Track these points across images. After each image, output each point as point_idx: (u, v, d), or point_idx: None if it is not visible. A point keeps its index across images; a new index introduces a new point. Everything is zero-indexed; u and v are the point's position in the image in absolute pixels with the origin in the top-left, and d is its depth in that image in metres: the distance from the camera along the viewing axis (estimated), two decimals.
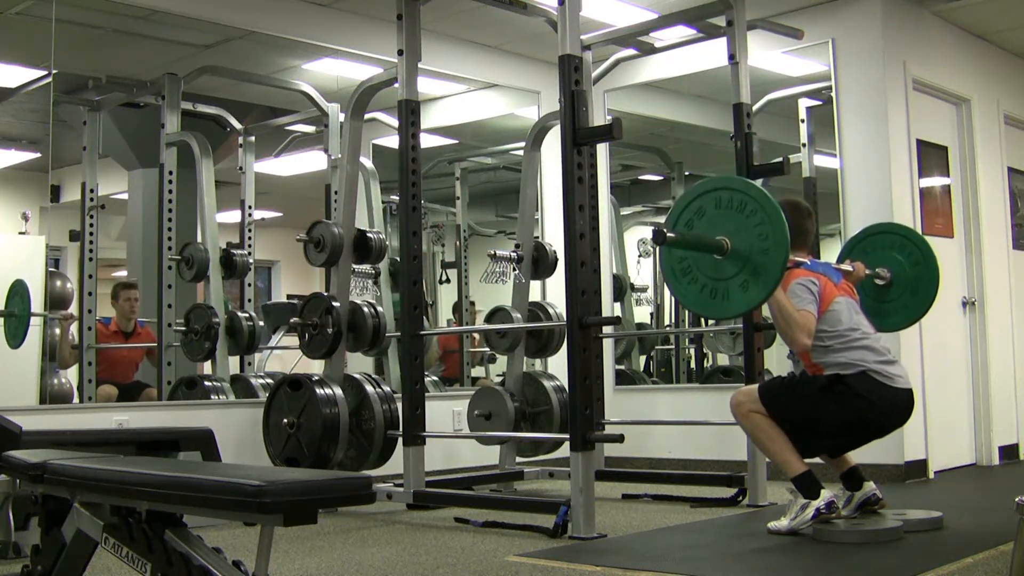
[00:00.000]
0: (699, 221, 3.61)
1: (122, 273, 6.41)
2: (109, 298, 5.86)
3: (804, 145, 6.00)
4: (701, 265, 3.61)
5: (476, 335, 6.82)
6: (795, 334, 3.73)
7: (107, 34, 5.57)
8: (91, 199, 5.48)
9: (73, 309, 5.50)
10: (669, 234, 3.54)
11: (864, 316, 3.97)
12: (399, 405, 4.76)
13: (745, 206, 3.51)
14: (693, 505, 4.77)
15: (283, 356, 7.40)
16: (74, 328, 5.40)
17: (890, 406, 3.80)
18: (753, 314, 4.66)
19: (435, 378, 6.48)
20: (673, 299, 7.17)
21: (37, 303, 5.19)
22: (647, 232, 7.36)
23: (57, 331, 5.42)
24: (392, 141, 5.49)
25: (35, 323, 5.27)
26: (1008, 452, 6.30)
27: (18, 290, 5.16)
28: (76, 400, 5.37)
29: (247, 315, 5.76)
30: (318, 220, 4.92)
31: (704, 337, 6.89)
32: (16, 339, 5.12)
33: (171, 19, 5.29)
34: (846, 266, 4.19)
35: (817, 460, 3.89)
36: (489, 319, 5.53)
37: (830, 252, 5.33)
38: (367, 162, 6.05)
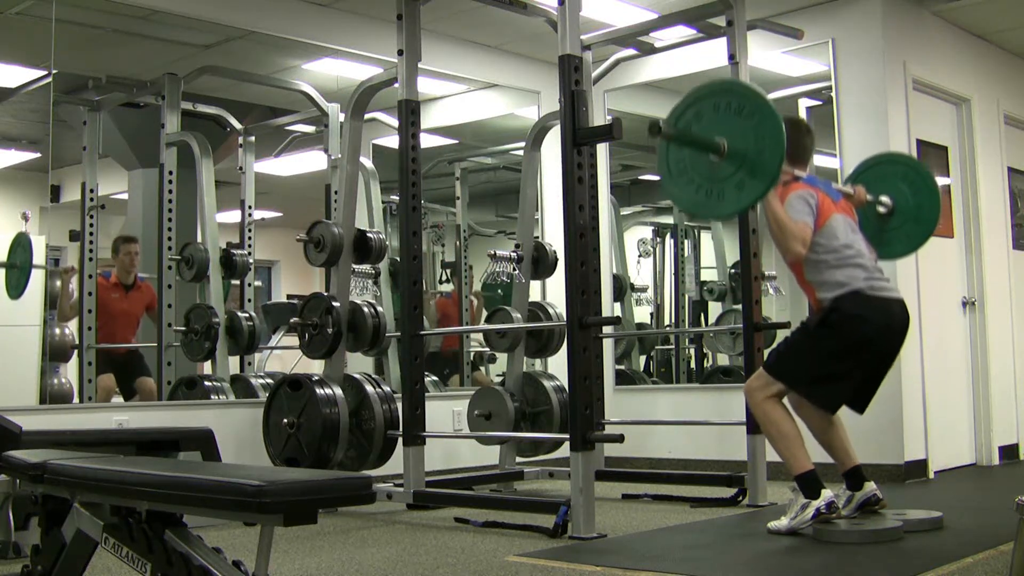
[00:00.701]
0: (697, 125, 3.63)
1: None
2: (111, 254, 5.85)
3: None
4: (697, 165, 3.63)
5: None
6: (789, 242, 3.76)
7: (107, 34, 5.57)
8: (91, 199, 5.48)
9: (73, 264, 5.52)
10: (666, 128, 3.56)
11: (862, 237, 4.00)
12: (399, 405, 4.77)
13: (743, 109, 3.53)
14: (693, 505, 4.77)
15: (283, 356, 7.40)
16: (74, 283, 5.40)
17: (885, 320, 3.83)
18: (753, 314, 4.67)
19: (435, 378, 6.48)
20: (673, 299, 7.18)
21: (37, 303, 5.19)
22: (647, 232, 7.36)
23: (58, 284, 5.44)
24: (392, 141, 5.49)
25: (35, 322, 5.28)
26: (1008, 452, 6.30)
27: (20, 242, 5.19)
28: (76, 400, 5.37)
29: (247, 315, 5.76)
30: (318, 220, 4.92)
31: (704, 337, 6.89)
32: (17, 290, 5.15)
33: (171, 19, 5.28)
34: (847, 188, 4.20)
35: (822, 460, 3.89)
36: (489, 319, 5.53)
37: None
38: (367, 162, 6.05)
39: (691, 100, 3.68)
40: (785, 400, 3.93)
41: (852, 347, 3.81)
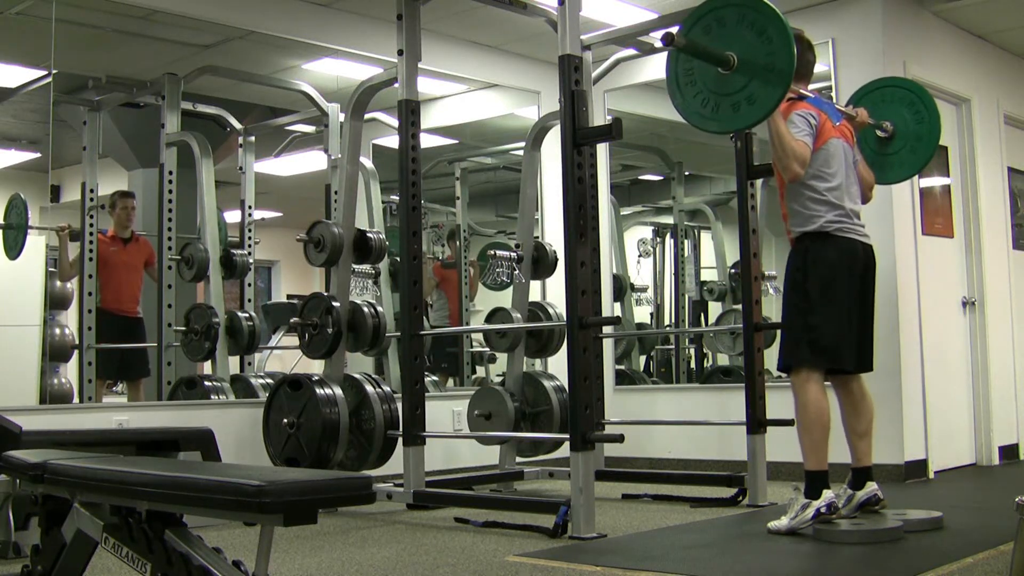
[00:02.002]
0: (718, 29, 3.63)
1: None
2: (108, 209, 5.86)
3: None
4: (706, 77, 3.64)
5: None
6: (788, 162, 3.81)
7: (107, 34, 5.57)
8: (91, 199, 5.49)
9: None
10: (679, 38, 3.57)
11: (861, 163, 4.06)
12: (399, 405, 4.76)
13: (764, 31, 3.53)
14: (693, 505, 4.77)
15: (283, 356, 7.41)
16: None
17: (848, 253, 3.89)
18: (753, 314, 4.67)
19: (435, 378, 6.48)
20: (673, 299, 7.18)
21: (37, 303, 5.20)
22: (647, 232, 7.36)
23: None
24: (392, 141, 5.49)
25: (35, 323, 5.29)
26: (1008, 452, 6.29)
27: (15, 203, 5.22)
28: (76, 400, 5.37)
29: (247, 315, 5.76)
30: (318, 220, 4.92)
31: (704, 337, 6.89)
32: (14, 251, 5.19)
33: (171, 19, 5.29)
34: (850, 110, 4.21)
35: (834, 460, 3.87)
36: (489, 319, 5.53)
37: None
38: (367, 162, 6.05)
39: (703, 11, 3.69)
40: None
41: (824, 283, 3.85)
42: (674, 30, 3.64)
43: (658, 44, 5.40)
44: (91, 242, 5.46)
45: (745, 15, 3.59)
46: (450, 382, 7.03)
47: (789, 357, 3.93)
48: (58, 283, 5.62)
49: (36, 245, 5.41)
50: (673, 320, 7.20)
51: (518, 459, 5.61)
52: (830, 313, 3.86)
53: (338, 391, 4.70)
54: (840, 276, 3.87)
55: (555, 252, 5.38)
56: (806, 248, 3.91)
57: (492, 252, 5.40)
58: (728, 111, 3.61)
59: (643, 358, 7.21)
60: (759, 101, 3.53)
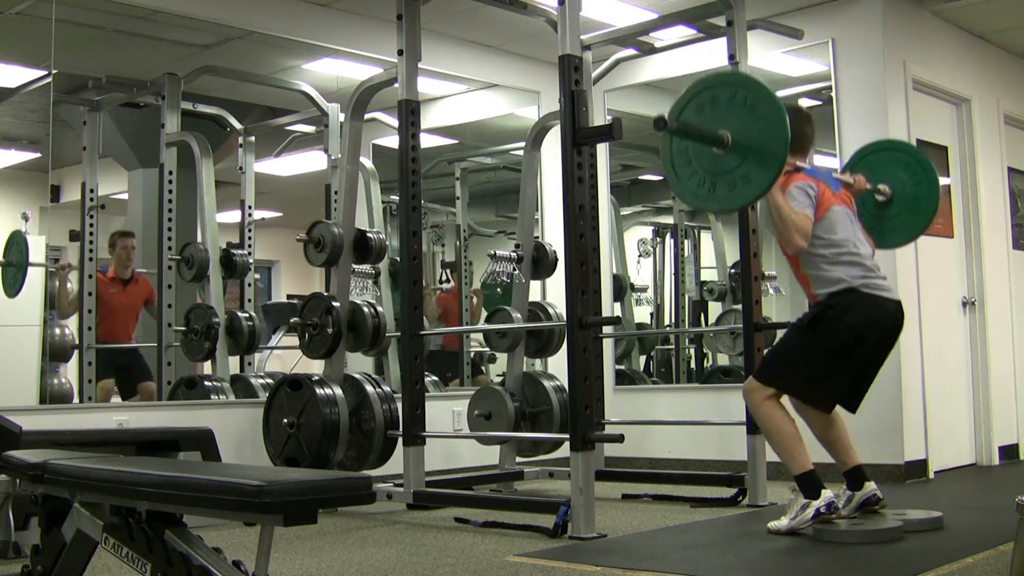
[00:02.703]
0: (710, 109, 3.61)
1: None
2: (107, 248, 5.86)
3: None
4: (701, 157, 3.62)
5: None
6: (791, 235, 3.76)
7: (107, 34, 5.57)
8: (91, 199, 5.49)
9: (71, 261, 5.52)
10: (672, 121, 3.56)
11: (860, 228, 4.00)
12: (399, 405, 4.77)
13: (756, 108, 3.51)
14: (693, 505, 4.77)
15: (283, 356, 7.40)
16: (72, 279, 5.41)
17: (877, 313, 3.83)
18: (753, 314, 4.67)
19: (435, 378, 6.48)
20: (673, 299, 7.17)
21: (37, 303, 5.19)
22: (647, 232, 7.36)
23: (57, 284, 5.45)
24: (392, 141, 5.49)
25: (35, 322, 5.28)
26: (1008, 452, 6.30)
27: (16, 240, 5.20)
28: (76, 400, 5.37)
29: (247, 315, 5.76)
30: (318, 220, 4.92)
31: (704, 337, 6.89)
32: (13, 288, 5.16)
33: (171, 19, 5.28)
34: (847, 177, 4.18)
35: (822, 460, 3.89)
36: (489, 319, 5.53)
37: None
38: (367, 162, 6.05)
39: (696, 90, 3.67)
40: (786, 399, 3.93)
41: (844, 344, 3.81)
42: (666, 114, 3.59)
43: (658, 45, 5.47)
44: (91, 242, 5.45)
45: (737, 93, 3.57)
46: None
47: (767, 377, 3.88)
48: (56, 330, 5.53)
49: (36, 245, 5.41)
50: (673, 320, 7.20)
51: (518, 459, 5.61)
52: (835, 372, 3.84)
53: (338, 391, 4.70)
54: (860, 344, 3.82)
55: (555, 252, 5.38)
56: (834, 304, 3.80)
57: (492, 252, 5.39)
58: (725, 190, 3.55)
59: (643, 358, 7.21)
60: (755, 179, 3.48)
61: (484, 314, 7.03)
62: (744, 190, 3.52)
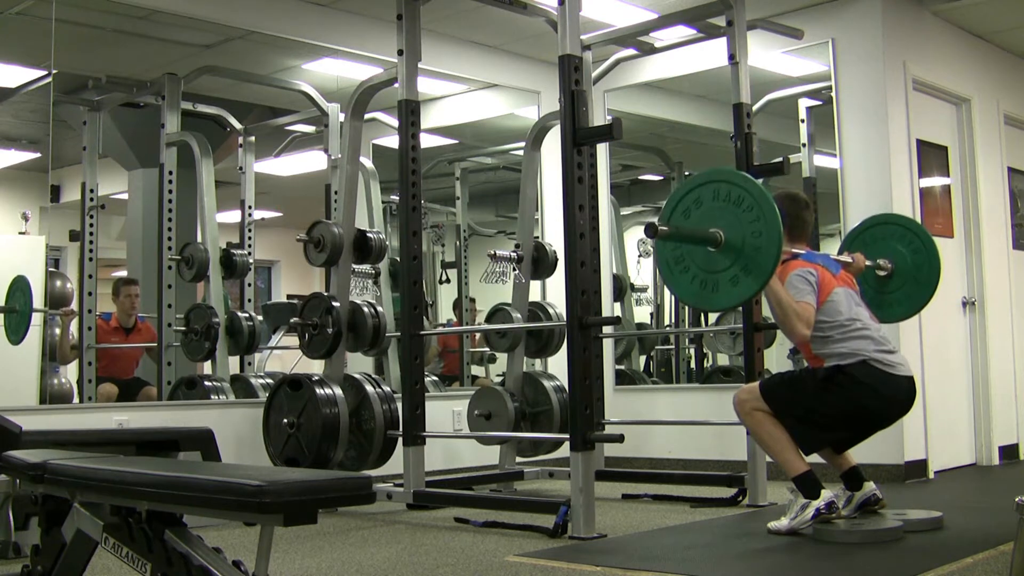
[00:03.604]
0: (696, 211, 3.63)
1: (122, 273, 6.41)
2: (111, 295, 5.87)
3: (804, 145, 6.00)
4: (695, 257, 3.63)
5: (476, 333, 6.83)
6: (794, 325, 3.74)
7: (107, 34, 5.57)
8: (91, 199, 5.48)
9: (73, 307, 5.51)
10: (661, 227, 3.56)
11: (864, 307, 3.97)
12: (399, 405, 4.77)
13: (742, 201, 3.51)
14: (693, 505, 4.77)
15: (283, 356, 7.40)
16: (74, 325, 5.41)
17: (891, 393, 3.79)
18: (753, 313, 4.67)
19: (435, 378, 6.48)
20: (673, 299, 7.17)
21: (37, 303, 5.19)
22: None
23: (57, 330, 5.43)
24: (392, 141, 5.49)
25: (35, 322, 5.27)
26: (1008, 452, 6.30)
27: (20, 286, 5.16)
28: (76, 400, 5.37)
29: (247, 315, 5.76)
30: (318, 220, 4.92)
31: (704, 337, 6.89)
32: (17, 335, 5.12)
33: (171, 19, 5.29)
34: (845, 257, 4.19)
35: (818, 460, 3.89)
36: (489, 319, 5.53)
37: (829, 249, 5.33)
38: (367, 162, 6.05)
39: (690, 187, 3.68)
40: None
41: (851, 412, 3.79)
42: (655, 221, 3.60)
43: (658, 45, 5.47)
44: (91, 243, 5.45)
45: (719, 190, 3.58)
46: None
47: (772, 399, 3.83)
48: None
49: (36, 245, 5.41)
50: (673, 320, 7.20)
51: (518, 459, 5.61)
52: (836, 428, 3.82)
53: (338, 391, 4.70)
54: (869, 417, 3.81)
55: (555, 252, 5.38)
56: (850, 375, 3.75)
57: (492, 252, 5.39)
58: (728, 287, 3.54)
59: (643, 358, 7.21)
60: (755, 270, 3.47)
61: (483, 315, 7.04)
62: (747, 283, 3.50)
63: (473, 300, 7.13)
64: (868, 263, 4.25)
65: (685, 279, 3.66)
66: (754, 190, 3.51)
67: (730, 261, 3.52)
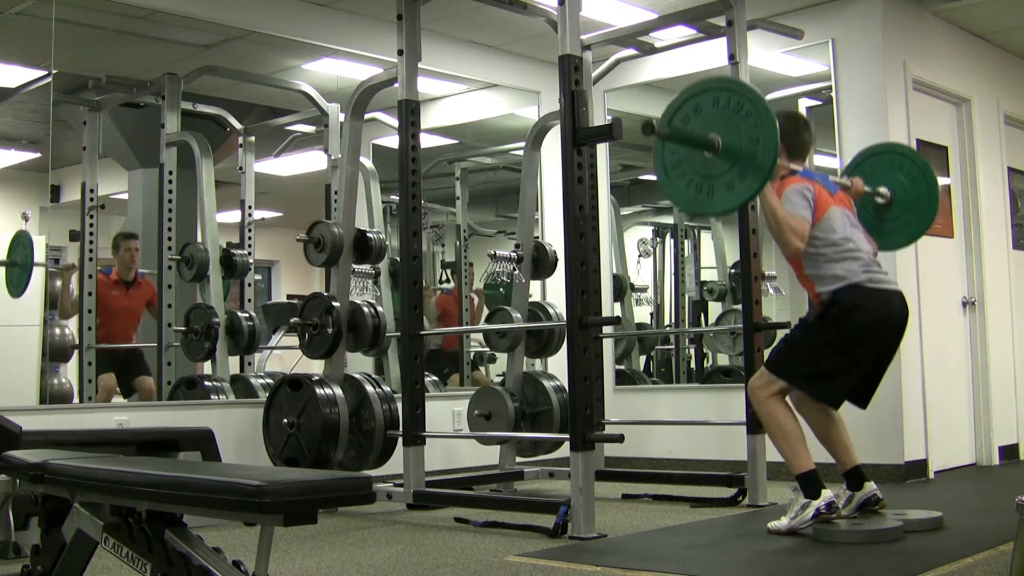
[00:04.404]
0: (695, 118, 3.64)
1: None
2: (111, 250, 5.86)
3: None
4: (692, 161, 3.64)
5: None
6: (787, 237, 3.77)
7: (107, 34, 5.57)
8: (91, 199, 5.48)
9: (73, 262, 5.54)
10: (660, 128, 3.57)
11: (860, 230, 4.01)
12: (399, 405, 4.77)
13: (741, 108, 3.53)
14: (693, 505, 4.77)
15: (283, 356, 7.40)
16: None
17: (883, 310, 3.83)
18: (753, 314, 4.67)
19: (435, 378, 6.48)
20: (673, 299, 7.17)
21: (37, 303, 5.19)
22: (647, 232, 7.36)
23: (59, 283, 5.46)
24: (392, 141, 5.49)
25: (35, 322, 5.28)
26: (1008, 452, 6.30)
27: (21, 240, 5.20)
28: (76, 400, 5.37)
29: (247, 315, 5.76)
30: (318, 220, 4.92)
31: (704, 337, 6.89)
32: (19, 288, 5.16)
33: (171, 19, 5.28)
34: (844, 180, 4.20)
35: (822, 459, 3.88)
36: (489, 319, 5.53)
37: None
38: (367, 162, 6.05)
39: (688, 95, 3.68)
40: (788, 399, 3.93)
41: (851, 340, 3.80)
42: (655, 121, 3.62)
43: (658, 45, 5.47)
44: (91, 242, 5.45)
45: (719, 97, 3.59)
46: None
47: (774, 371, 3.89)
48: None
49: (36, 245, 5.41)
50: (673, 320, 7.20)
51: (518, 459, 5.61)
52: (844, 366, 3.83)
53: (338, 391, 4.70)
54: (868, 339, 3.82)
55: (555, 252, 5.38)
56: (839, 301, 3.80)
57: (492, 252, 5.39)
58: (723, 192, 3.56)
59: (643, 358, 7.21)
60: (752, 174, 3.49)
61: (485, 313, 7.05)
62: (743, 187, 3.53)
63: (479, 291, 7.13)
64: (867, 189, 4.25)
65: (681, 183, 3.68)
66: (754, 98, 3.52)
67: (727, 166, 3.54)
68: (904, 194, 4.31)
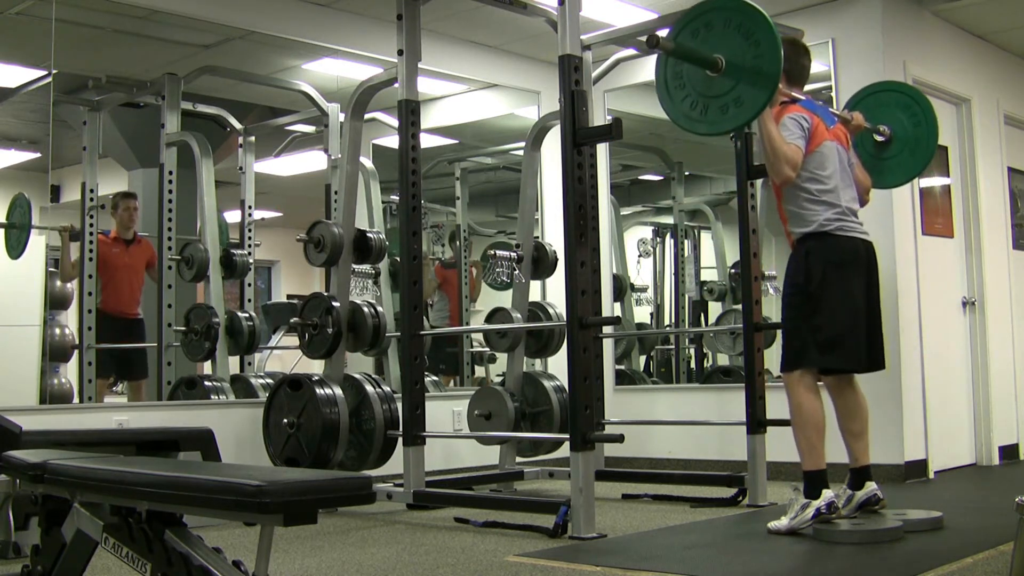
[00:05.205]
0: (705, 33, 3.66)
1: None
2: (110, 210, 5.88)
3: None
4: (694, 80, 3.67)
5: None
6: (780, 165, 3.80)
7: (107, 34, 5.57)
8: (91, 199, 5.49)
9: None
10: (665, 41, 3.59)
11: (858, 166, 4.05)
12: (399, 405, 4.77)
13: (751, 35, 3.55)
14: (693, 505, 4.77)
15: (283, 356, 7.41)
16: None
17: (847, 255, 3.86)
18: (753, 314, 4.67)
19: (435, 378, 6.48)
20: (673, 299, 7.18)
21: (37, 303, 5.19)
22: (647, 232, 7.37)
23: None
24: (392, 141, 5.49)
25: (36, 323, 5.28)
26: (1008, 452, 6.30)
27: (19, 203, 5.23)
28: (76, 400, 5.38)
29: (247, 315, 5.76)
30: (318, 220, 4.92)
31: (704, 337, 6.89)
32: (17, 250, 5.19)
33: (171, 19, 5.28)
34: (844, 113, 4.20)
35: (831, 459, 3.87)
36: (489, 319, 5.53)
37: None
38: (367, 162, 6.05)
39: (702, 9, 3.70)
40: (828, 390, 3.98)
41: (828, 281, 3.82)
42: (661, 33, 3.65)
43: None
44: (91, 242, 5.46)
45: (732, 18, 3.61)
46: (451, 383, 7.03)
47: (795, 361, 3.88)
48: (58, 283, 5.64)
49: (36, 245, 5.41)
50: (673, 320, 7.20)
51: (518, 459, 5.61)
52: (836, 312, 3.84)
53: (338, 391, 4.70)
54: (843, 276, 3.85)
55: (555, 252, 5.38)
56: (807, 250, 3.88)
57: (492, 252, 5.40)
58: (716, 113, 3.62)
59: (643, 358, 7.21)
60: (747, 102, 3.54)
61: (483, 288, 7.07)
62: (736, 113, 3.58)
63: (478, 264, 7.14)
64: (867, 125, 4.26)
65: (679, 96, 3.72)
66: (764, 26, 3.53)
67: (726, 89, 3.58)
68: (904, 133, 4.32)
